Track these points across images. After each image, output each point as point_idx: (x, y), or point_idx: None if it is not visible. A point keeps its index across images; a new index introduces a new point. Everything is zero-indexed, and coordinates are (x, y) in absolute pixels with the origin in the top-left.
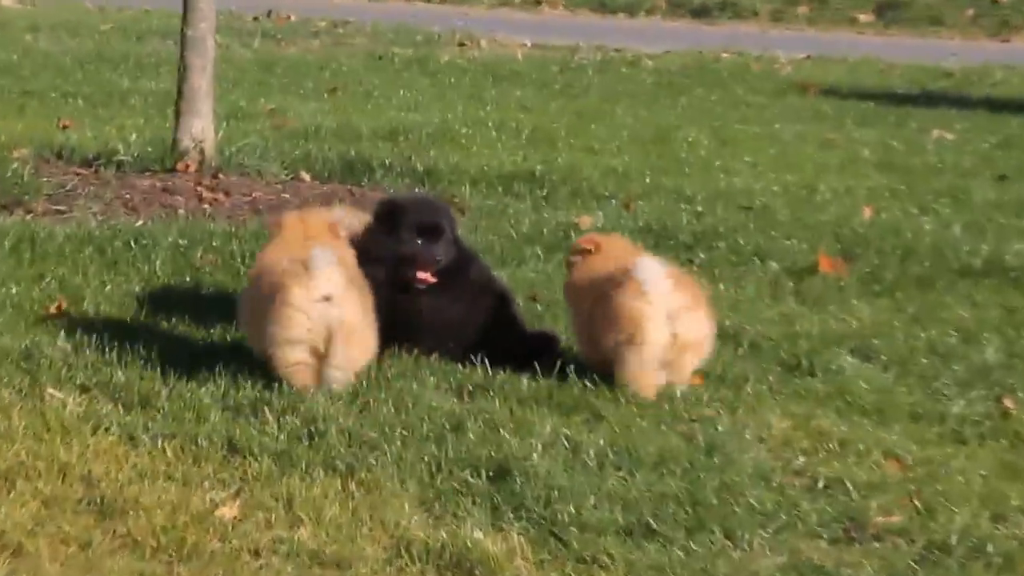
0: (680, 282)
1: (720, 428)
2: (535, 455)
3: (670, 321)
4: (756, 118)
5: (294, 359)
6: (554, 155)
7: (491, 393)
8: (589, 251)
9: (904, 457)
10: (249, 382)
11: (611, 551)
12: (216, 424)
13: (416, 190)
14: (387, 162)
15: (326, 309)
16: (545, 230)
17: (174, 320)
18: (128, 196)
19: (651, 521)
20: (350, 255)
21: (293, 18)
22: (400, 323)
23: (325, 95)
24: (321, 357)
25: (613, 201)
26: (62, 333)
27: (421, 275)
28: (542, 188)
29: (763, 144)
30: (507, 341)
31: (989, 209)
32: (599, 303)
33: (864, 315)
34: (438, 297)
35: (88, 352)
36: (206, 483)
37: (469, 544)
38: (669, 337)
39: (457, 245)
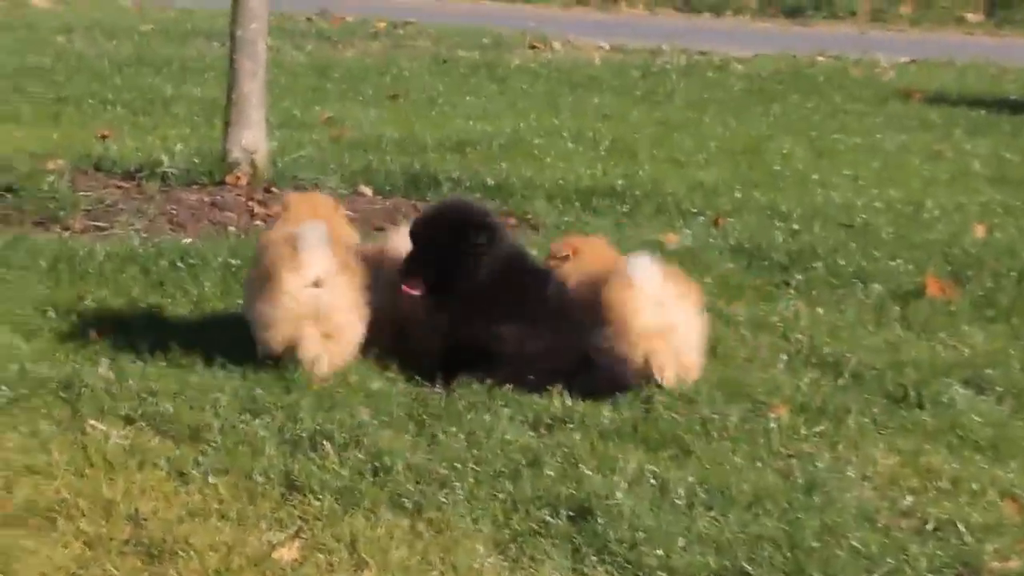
0: (671, 275)
1: (820, 464)
2: (619, 493)
3: (658, 310)
4: (856, 128)
5: (280, 340)
6: (636, 168)
7: (571, 426)
8: (567, 257)
9: (1022, 497)
10: (308, 413)
11: None
12: (273, 459)
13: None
14: (454, 175)
15: (315, 295)
16: (628, 249)
17: (225, 346)
18: (174, 211)
19: (746, 565)
20: (349, 234)
21: (349, 18)
22: (471, 349)
23: (386, 102)
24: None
25: (701, 218)
26: (104, 360)
27: (405, 287)
28: (623, 204)
29: (864, 156)
30: (587, 369)
31: None
32: (589, 307)
33: (977, 342)
34: (513, 322)
35: (132, 381)
36: (262, 523)
37: None
38: (656, 325)
39: (530, 263)
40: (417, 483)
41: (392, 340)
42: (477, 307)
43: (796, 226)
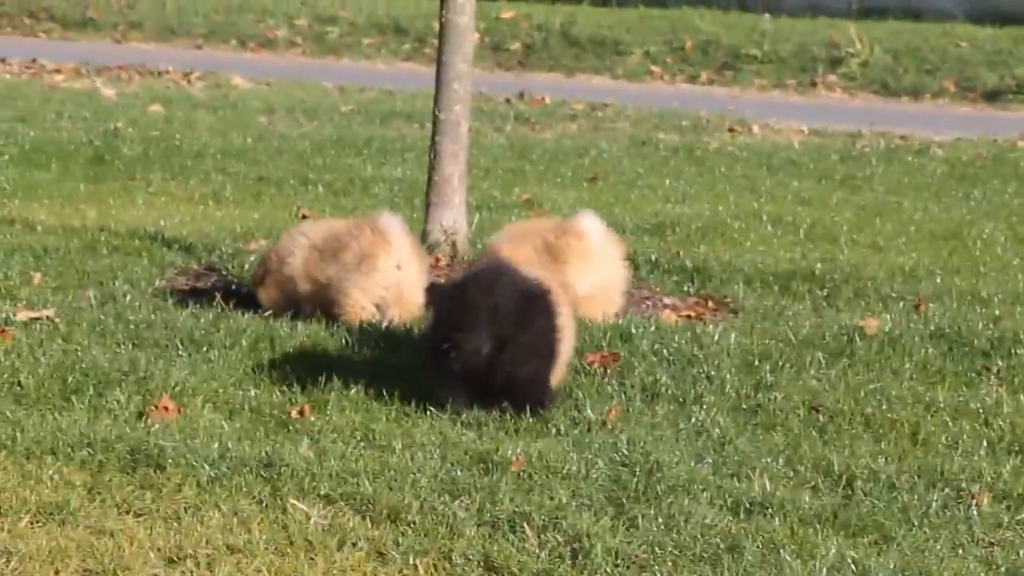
0: None
1: (1022, 553)
2: None
3: None
4: None
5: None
6: (835, 252)
7: (770, 511)
8: None
9: None
10: (507, 495)
11: None
12: (472, 540)
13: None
14: (653, 258)
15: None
16: (827, 334)
17: (425, 428)
18: None
19: None
20: None
21: (548, 100)
22: None
23: (584, 184)
24: None
25: (901, 303)
26: (305, 439)
27: None
28: (823, 288)
29: None
30: None
31: None
32: None
33: None
34: None
35: (333, 461)
36: None
37: None
38: None
39: None
40: (616, 566)
41: None
42: None
43: (998, 312)
